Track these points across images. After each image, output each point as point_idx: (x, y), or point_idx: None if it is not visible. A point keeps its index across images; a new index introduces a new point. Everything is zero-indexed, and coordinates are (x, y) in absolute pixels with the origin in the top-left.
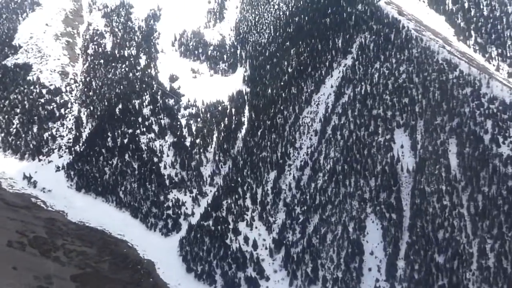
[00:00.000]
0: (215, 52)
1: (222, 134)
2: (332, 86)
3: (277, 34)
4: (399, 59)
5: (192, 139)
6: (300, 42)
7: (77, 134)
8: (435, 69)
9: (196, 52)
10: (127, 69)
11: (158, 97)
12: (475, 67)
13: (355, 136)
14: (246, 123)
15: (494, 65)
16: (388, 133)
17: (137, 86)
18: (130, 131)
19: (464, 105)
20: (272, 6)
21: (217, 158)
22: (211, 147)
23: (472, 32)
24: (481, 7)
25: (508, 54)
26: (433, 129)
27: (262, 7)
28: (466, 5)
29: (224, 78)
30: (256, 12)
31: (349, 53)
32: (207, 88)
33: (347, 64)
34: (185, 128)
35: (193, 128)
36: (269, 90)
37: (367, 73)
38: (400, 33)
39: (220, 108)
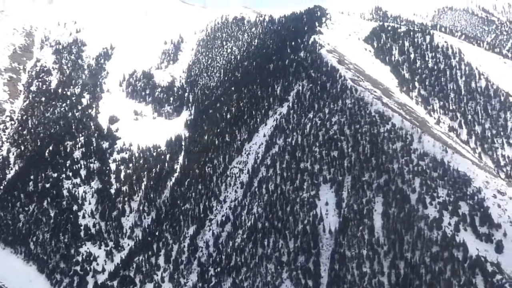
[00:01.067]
0: (162, 94)
1: (151, 182)
2: (264, 135)
3: (226, 78)
4: (332, 109)
5: (119, 186)
6: (242, 88)
7: (0, 176)
8: (367, 121)
9: (143, 93)
10: (67, 108)
11: (93, 139)
12: (410, 120)
13: (280, 190)
14: (178, 171)
15: (435, 118)
16: (313, 189)
17: (73, 126)
18: (55, 175)
19: (393, 160)
20: (225, 50)
21: (141, 208)
22: (138, 196)
23: (416, 84)
24: (426, 59)
25: (451, 107)
26: (360, 186)
27: (216, 50)
28: (412, 56)
29: (168, 121)
30: (210, 55)
31: (286, 101)
32: (147, 131)
33: (282, 113)
34: (114, 173)
35: (123, 174)
36: (206, 136)
37: (300, 123)
38: (336, 82)
39: (155, 153)
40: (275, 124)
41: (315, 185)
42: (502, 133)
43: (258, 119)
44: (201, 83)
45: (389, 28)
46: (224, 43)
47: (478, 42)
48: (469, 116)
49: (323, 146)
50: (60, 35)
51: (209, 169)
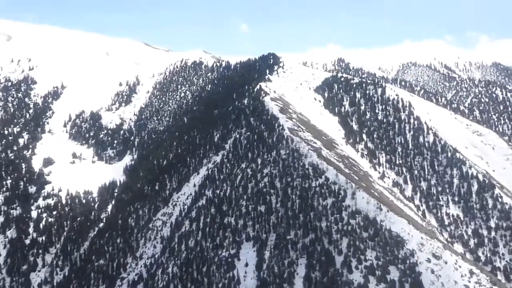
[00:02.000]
0: (107, 136)
1: (72, 233)
2: (195, 185)
3: (174, 123)
4: (266, 160)
5: (36, 236)
6: (184, 134)
7: None
8: (299, 174)
9: (87, 135)
10: (1, 148)
11: (21, 183)
12: (348, 174)
13: (200, 248)
14: (104, 221)
15: (379, 173)
16: (234, 247)
17: (3, 168)
18: None
19: (322, 218)
20: (179, 94)
21: (55, 262)
22: (55, 248)
23: (364, 136)
24: (377, 111)
25: (397, 162)
26: (284, 245)
27: (170, 94)
28: (362, 107)
29: (107, 166)
30: (163, 99)
31: (223, 150)
32: (82, 176)
33: (216, 162)
34: (34, 222)
35: (43, 222)
36: (139, 184)
37: (232, 173)
38: (274, 131)
39: (84, 200)
40: (207, 173)
41: (236, 242)
42: (447, 190)
43: (192, 168)
44: (150, 126)
45: (342, 79)
46: (179, 87)
47: (437, 97)
48: (415, 172)
49: (251, 199)
50: (12, 72)
51: (132, 220)
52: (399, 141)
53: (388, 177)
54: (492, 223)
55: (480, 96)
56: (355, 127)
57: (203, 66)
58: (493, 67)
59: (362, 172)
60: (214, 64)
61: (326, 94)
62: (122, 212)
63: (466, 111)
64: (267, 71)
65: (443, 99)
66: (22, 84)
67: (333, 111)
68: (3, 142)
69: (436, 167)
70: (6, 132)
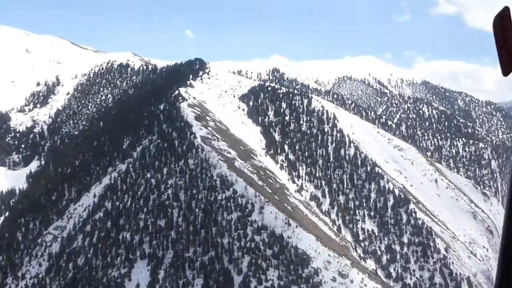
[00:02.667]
0: (14, 140)
1: None
2: (95, 196)
3: (89, 127)
4: (172, 169)
5: None
6: (94, 140)
7: None
8: (206, 186)
9: None
10: None
11: None
12: (260, 187)
13: (89, 266)
14: None
15: (298, 185)
16: (127, 266)
17: None
18: None
19: (225, 234)
20: (100, 97)
21: None
22: None
23: (286, 147)
24: (301, 122)
25: (317, 175)
26: (181, 264)
27: (91, 96)
28: (287, 118)
29: (10, 172)
30: (83, 101)
31: (130, 157)
32: None
33: (122, 170)
34: None
35: None
36: (37, 193)
37: (136, 183)
38: (185, 139)
39: None
40: (109, 183)
41: (129, 260)
42: (364, 205)
43: (94, 177)
44: (64, 130)
45: (269, 88)
46: (102, 89)
47: (367, 111)
48: (334, 185)
49: (151, 212)
50: None
51: (20, 234)
52: (321, 153)
53: (307, 190)
54: (405, 239)
55: (408, 112)
56: (277, 137)
57: (129, 69)
58: (423, 85)
59: (278, 184)
60: (141, 67)
61: (251, 103)
62: (12, 225)
63: (394, 126)
64: (191, 76)
65: (373, 113)
66: None
67: (256, 121)
68: None
69: (355, 180)
70: None
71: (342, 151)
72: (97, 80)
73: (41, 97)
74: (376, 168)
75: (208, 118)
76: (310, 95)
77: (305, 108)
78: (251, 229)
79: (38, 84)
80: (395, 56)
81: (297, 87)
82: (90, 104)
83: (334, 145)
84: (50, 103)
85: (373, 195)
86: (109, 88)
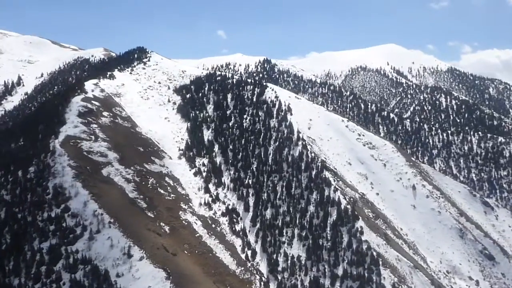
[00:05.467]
0: None
1: None
2: None
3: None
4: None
5: None
6: None
7: None
8: (34, 201)
9: None
10: None
11: None
12: (108, 202)
13: None
14: None
15: (213, 196)
16: None
17: None
18: None
19: (23, 271)
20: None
21: None
22: None
23: (216, 148)
24: (245, 116)
25: (246, 181)
26: None
27: (43, 95)
28: (228, 112)
29: None
30: (34, 102)
31: None
32: None
33: None
34: None
35: None
36: None
37: None
38: (43, 140)
39: None
40: None
41: None
42: (297, 221)
43: None
44: None
45: (218, 78)
46: (59, 87)
47: (367, 104)
48: (265, 195)
49: None
50: None
51: None
52: (259, 153)
53: (224, 202)
54: (340, 270)
55: (424, 103)
56: (208, 135)
57: (87, 64)
58: (448, 73)
59: (173, 196)
60: (99, 60)
61: (188, 96)
62: None
63: (396, 119)
64: (120, 66)
65: (373, 106)
66: None
67: (186, 116)
68: None
69: (292, 189)
70: None
71: (286, 151)
72: (59, 78)
73: None
74: (325, 173)
75: (106, 113)
76: (266, 84)
77: (254, 100)
78: (63, 264)
79: None
80: (438, 47)
81: (288, 79)
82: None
83: (277, 143)
84: (4, 104)
85: (311, 209)
86: (61, 86)
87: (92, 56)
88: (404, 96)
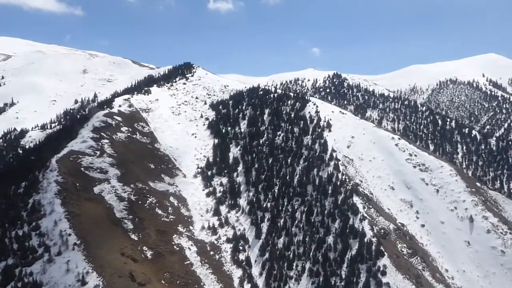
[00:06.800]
0: None
1: None
2: None
3: None
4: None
5: None
6: None
7: None
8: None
9: None
10: None
11: None
12: (74, 223)
13: None
14: None
15: (222, 218)
16: None
17: None
18: None
19: None
20: None
21: None
22: None
23: (240, 166)
24: (278, 133)
25: (265, 205)
26: None
27: None
28: (262, 128)
29: None
30: None
31: None
32: None
33: None
34: None
35: None
36: None
37: None
38: (57, 153)
39: None
40: None
41: None
42: (311, 254)
43: None
44: None
45: (261, 92)
46: None
47: (463, 121)
48: (281, 221)
49: None
50: None
51: None
52: (284, 173)
53: (233, 227)
54: None
55: None
56: (235, 153)
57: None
58: None
59: (171, 217)
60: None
61: (224, 111)
62: None
63: (479, 137)
64: (160, 82)
65: (453, 122)
66: None
67: (216, 132)
68: None
69: (313, 215)
70: None
71: (314, 172)
72: None
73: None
74: (355, 198)
75: (124, 129)
76: (308, 98)
77: (292, 115)
78: (12, 286)
79: (76, 102)
80: None
81: (358, 94)
82: None
83: (306, 163)
84: None
85: (329, 240)
86: None
87: (158, 73)
88: (498, 111)
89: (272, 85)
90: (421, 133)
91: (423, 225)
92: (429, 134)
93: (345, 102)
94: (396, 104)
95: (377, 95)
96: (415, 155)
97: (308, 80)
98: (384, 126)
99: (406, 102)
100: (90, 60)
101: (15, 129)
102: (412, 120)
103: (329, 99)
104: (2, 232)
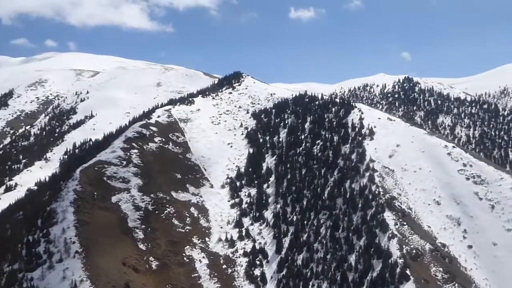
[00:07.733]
0: None
1: None
2: None
3: None
4: None
5: None
6: None
7: None
8: None
9: None
10: None
11: None
12: (80, 232)
13: None
14: None
15: (243, 231)
16: None
17: None
18: None
19: None
20: None
21: None
22: None
23: (272, 177)
24: (317, 141)
25: (290, 218)
26: None
27: None
28: (302, 137)
29: None
30: None
31: None
32: None
33: None
34: None
35: None
36: None
37: None
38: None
39: None
40: None
41: None
42: (330, 273)
43: None
44: None
45: (307, 99)
46: None
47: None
48: (304, 236)
49: None
50: None
51: None
52: (316, 185)
53: (254, 240)
54: None
55: None
56: (270, 163)
57: None
58: None
59: (189, 227)
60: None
61: (266, 119)
62: None
63: None
64: (208, 92)
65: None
66: None
67: (254, 141)
68: None
69: (339, 232)
70: None
71: (347, 184)
72: None
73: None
74: (387, 213)
75: (157, 139)
76: (354, 104)
77: (333, 123)
78: None
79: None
80: None
81: (430, 99)
82: None
83: (340, 174)
84: None
85: (351, 259)
86: None
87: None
88: None
89: (340, 92)
90: (500, 140)
91: (470, 246)
92: (510, 142)
93: (414, 107)
94: (474, 108)
95: (452, 99)
96: (470, 165)
97: (377, 86)
98: (458, 133)
99: (485, 106)
100: (165, 73)
101: (90, 139)
102: (491, 125)
103: (397, 105)
104: (18, 238)
